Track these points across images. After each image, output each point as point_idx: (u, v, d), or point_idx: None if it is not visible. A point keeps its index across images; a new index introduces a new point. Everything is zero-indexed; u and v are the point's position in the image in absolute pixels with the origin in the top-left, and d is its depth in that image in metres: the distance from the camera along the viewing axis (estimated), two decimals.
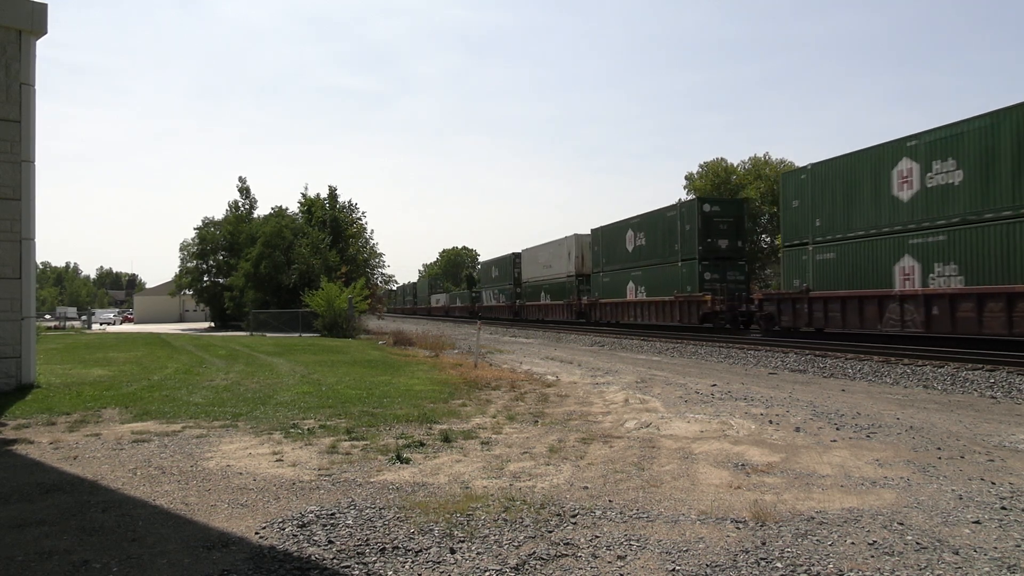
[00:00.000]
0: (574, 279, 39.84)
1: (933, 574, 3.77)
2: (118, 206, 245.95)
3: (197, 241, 50.59)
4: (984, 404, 10.24)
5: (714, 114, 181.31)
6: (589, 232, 38.31)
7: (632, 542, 4.30)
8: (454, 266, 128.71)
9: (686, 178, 65.83)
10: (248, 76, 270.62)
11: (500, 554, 4.11)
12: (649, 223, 31.52)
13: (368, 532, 4.50)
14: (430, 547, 4.23)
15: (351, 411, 9.42)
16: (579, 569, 3.91)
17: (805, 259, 21.73)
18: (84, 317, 63.52)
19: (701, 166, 65.65)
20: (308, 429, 8.14)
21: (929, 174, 17.36)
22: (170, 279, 61.19)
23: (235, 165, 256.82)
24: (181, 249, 51.68)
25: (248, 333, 36.51)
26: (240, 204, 50.74)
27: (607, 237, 35.57)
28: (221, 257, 50.01)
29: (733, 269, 27.78)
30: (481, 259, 65.35)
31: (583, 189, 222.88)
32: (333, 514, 4.86)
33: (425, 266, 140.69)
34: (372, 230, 60.52)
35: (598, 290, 36.34)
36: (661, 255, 30.08)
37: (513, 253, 51.97)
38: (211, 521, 4.76)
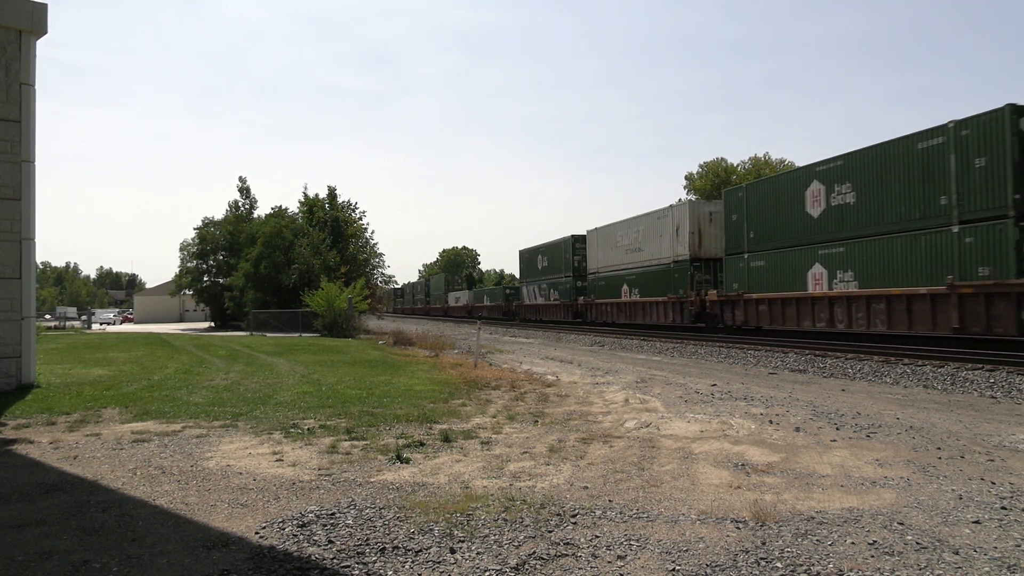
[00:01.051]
0: (687, 265, 27.72)
1: (933, 574, 3.77)
2: (118, 206, 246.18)
3: (197, 241, 50.62)
4: (984, 404, 10.24)
5: (714, 114, 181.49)
6: (721, 198, 27.64)
7: (632, 542, 4.30)
8: (454, 266, 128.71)
9: (686, 178, 66.15)
10: (248, 76, 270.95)
11: (500, 554, 4.11)
12: (871, 161, 18.72)
13: (368, 532, 4.50)
14: (430, 547, 4.23)
15: (351, 411, 9.42)
16: (579, 569, 3.91)
17: None
18: (84, 317, 63.55)
19: (701, 166, 65.93)
20: (308, 429, 8.14)
21: None
22: (170, 279, 61.20)
23: (235, 165, 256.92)
24: (181, 249, 51.76)
25: (248, 333, 36.51)
26: (240, 204, 50.82)
27: (760, 199, 23.67)
28: (221, 257, 50.04)
29: None
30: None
31: (583, 189, 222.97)
32: (333, 514, 4.86)
33: (425, 266, 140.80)
34: (372, 230, 60.36)
35: (738, 280, 24.34)
36: (900, 216, 17.68)
37: (572, 236, 40.66)
38: (211, 521, 4.76)
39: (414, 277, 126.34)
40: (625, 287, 33.19)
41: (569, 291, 40.50)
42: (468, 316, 64.92)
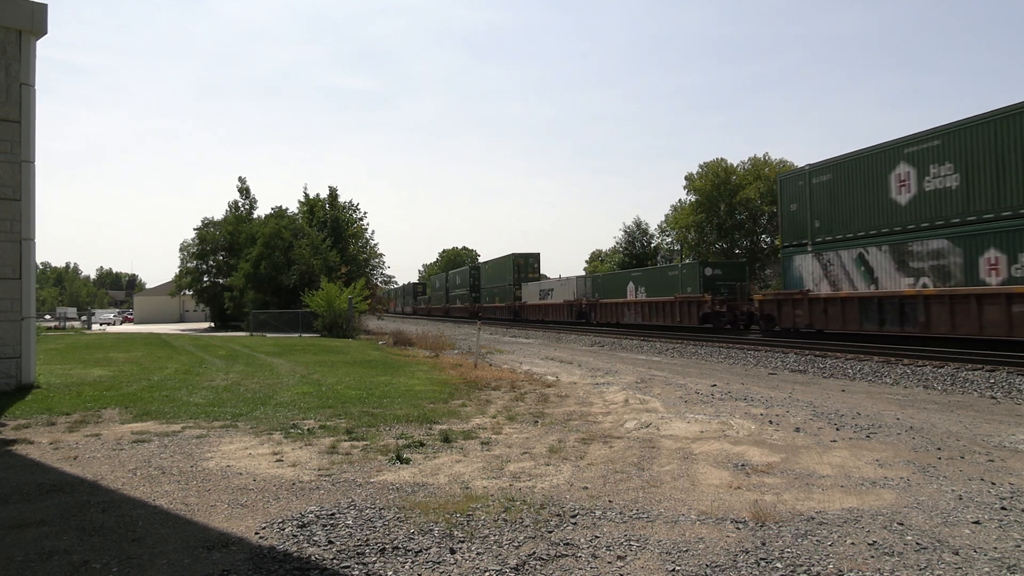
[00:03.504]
0: None
1: (933, 574, 3.77)
2: (118, 206, 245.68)
3: (197, 241, 50.56)
4: (984, 404, 10.24)
5: (714, 114, 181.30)
6: None
7: (632, 542, 4.30)
8: (454, 266, 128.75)
9: (686, 178, 65.99)
10: (248, 76, 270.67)
11: (500, 554, 4.11)
12: None
13: (368, 532, 4.50)
14: (430, 547, 4.23)
15: (351, 411, 9.42)
16: (579, 569, 3.91)
17: None
18: (84, 317, 63.52)
19: (701, 166, 65.79)
20: (308, 429, 8.14)
21: None
22: (170, 279, 61.14)
23: (235, 165, 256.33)
24: (181, 249, 51.69)
25: (248, 333, 36.49)
26: (240, 204, 50.73)
27: None
28: (221, 257, 49.98)
29: None
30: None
31: (583, 189, 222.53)
32: (333, 514, 4.86)
33: (425, 266, 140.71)
34: (373, 231, 60.01)
35: None
36: None
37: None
38: (211, 521, 4.76)
39: (414, 277, 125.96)
40: None
41: None
42: (578, 321, 38.95)
